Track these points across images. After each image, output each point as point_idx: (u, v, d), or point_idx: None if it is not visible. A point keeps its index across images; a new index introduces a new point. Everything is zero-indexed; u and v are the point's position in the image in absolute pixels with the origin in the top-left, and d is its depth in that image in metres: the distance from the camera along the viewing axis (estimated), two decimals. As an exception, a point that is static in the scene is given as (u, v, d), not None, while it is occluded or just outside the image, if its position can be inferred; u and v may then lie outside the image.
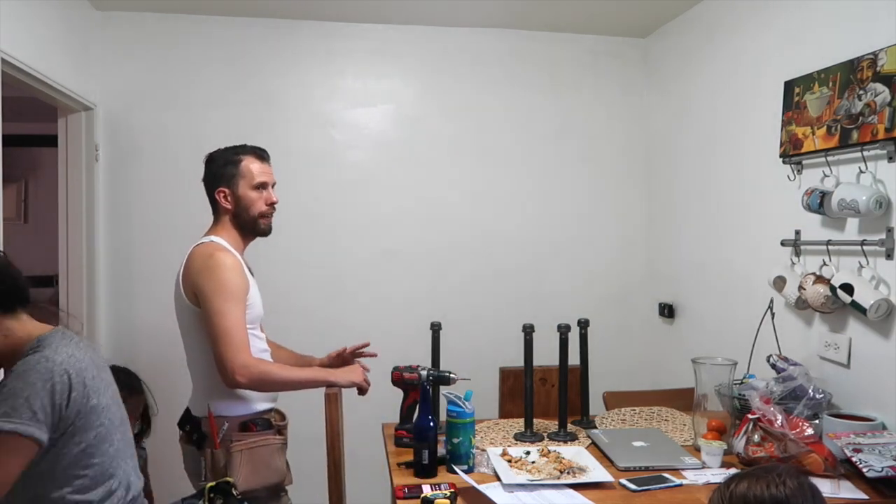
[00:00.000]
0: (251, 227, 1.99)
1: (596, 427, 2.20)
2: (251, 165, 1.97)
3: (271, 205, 2.00)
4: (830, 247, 2.07)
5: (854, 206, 1.89)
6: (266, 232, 2.01)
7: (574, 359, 2.14)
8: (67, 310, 2.84)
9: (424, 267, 3.24)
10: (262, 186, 1.97)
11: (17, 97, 2.51)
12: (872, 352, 1.96)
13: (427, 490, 1.62)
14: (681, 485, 1.70)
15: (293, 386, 1.92)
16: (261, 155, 2.01)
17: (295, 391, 1.95)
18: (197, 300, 1.83)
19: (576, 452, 1.90)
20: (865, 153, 1.95)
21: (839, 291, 1.94)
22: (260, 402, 1.92)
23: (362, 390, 2.02)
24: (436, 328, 2.21)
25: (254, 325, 1.92)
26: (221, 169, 1.96)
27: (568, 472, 1.73)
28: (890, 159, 1.88)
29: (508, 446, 1.98)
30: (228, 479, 1.72)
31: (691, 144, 2.98)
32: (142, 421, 2.67)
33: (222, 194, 1.95)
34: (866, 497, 1.61)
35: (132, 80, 3.01)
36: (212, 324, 1.79)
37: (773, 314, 2.33)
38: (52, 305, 3.40)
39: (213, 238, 1.92)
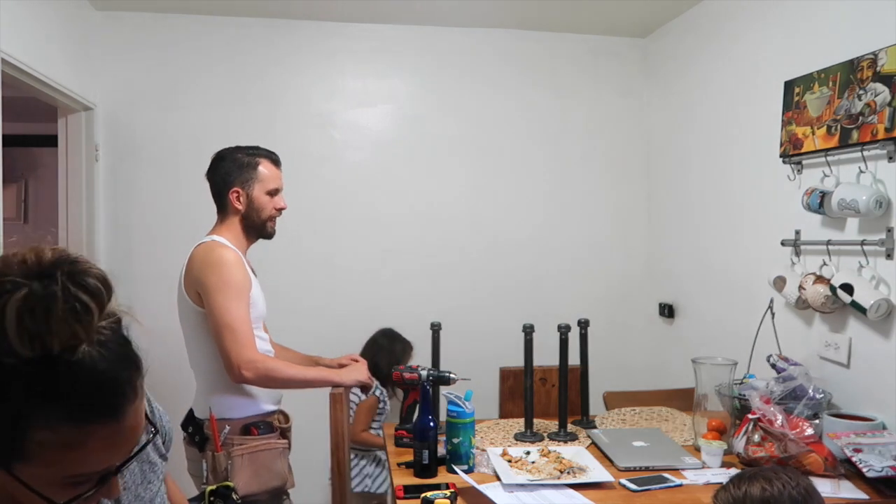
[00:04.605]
0: (259, 229, 1.99)
1: (596, 427, 2.20)
2: (267, 170, 1.97)
3: (279, 210, 2.01)
4: (830, 247, 2.07)
5: (854, 206, 1.89)
6: (271, 235, 2.02)
7: (574, 359, 2.14)
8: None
9: (424, 267, 3.24)
10: (275, 192, 1.98)
11: (17, 97, 2.51)
12: (872, 352, 1.96)
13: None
14: (681, 485, 1.70)
15: (298, 384, 1.91)
16: (275, 160, 2.02)
17: (298, 390, 1.95)
18: (199, 299, 1.83)
19: (576, 452, 1.90)
20: (865, 153, 1.95)
21: (839, 291, 1.94)
22: (264, 403, 1.92)
23: (367, 388, 2.03)
24: (436, 328, 2.21)
25: (256, 324, 1.91)
26: (237, 169, 1.95)
27: (568, 472, 1.73)
28: (890, 159, 1.88)
29: (508, 446, 1.98)
30: (228, 483, 1.72)
31: (691, 144, 2.98)
32: None
33: (236, 194, 1.94)
34: (866, 497, 1.61)
35: (132, 80, 3.01)
36: (216, 319, 1.79)
37: (773, 314, 2.33)
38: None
39: (214, 237, 1.92)
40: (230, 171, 1.95)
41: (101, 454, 0.71)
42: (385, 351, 2.82)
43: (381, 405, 2.76)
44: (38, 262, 0.68)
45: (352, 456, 2.69)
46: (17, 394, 0.66)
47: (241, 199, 1.95)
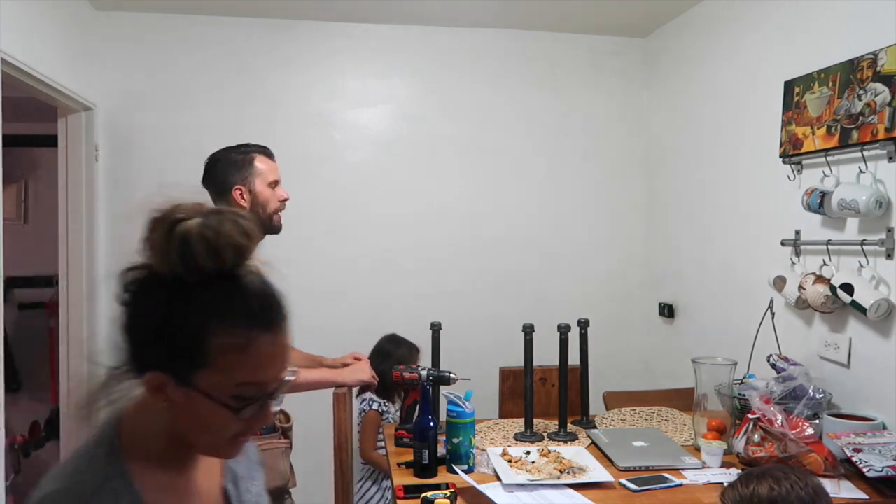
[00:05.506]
0: (266, 224, 1.99)
1: (596, 427, 2.20)
2: (263, 163, 1.97)
3: (283, 201, 2.01)
4: (830, 247, 2.07)
5: (854, 206, 1.89)
6: (279, 229, 2.01)
7: (574, 359, 2.14)
8: (67, 310, 2.84)
9: (424, 267, 3.24)
10: (275, 184, 1.98)
11: (17, 97, 2.50)
12: (872, 352, 1.96)
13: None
14: (681, 485, 1.70)
15: (302, 387, 1.91)
16: (268, 153, 2.02)
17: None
18: None
19: (576, 452, 1.90)
20: (865, 153, 1.95)
21: (839, 291, 1.94)
22: None
23: (370, 387, 2.03)
24: (436, 328, 2.21)
25: None
26: (234, 168, 1.94)
27: (568, 472, 1.73)
28: (890, 159, 1.88)
29: (508, 446, 1.98)
30: None
31: (691, 144, 2.98)
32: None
33: (239, 192, 1.94)
34: (866, 497, 1.61)
35: (132, 80, 3.01)
36: None
37: (773, 314, 2.33)
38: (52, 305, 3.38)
39: None
40: (227, 171, 1.95)
41: (265, 362, 0.82)
42: (393, 358, 2.75)
43: (384, 417, 2.71)
44: (201, 207, 0.82)
45: (369, 483, 2.65)
46: (202, 304, 0.79)
47: (245, 196, 1.95)
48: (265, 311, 0.83)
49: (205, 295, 0.79)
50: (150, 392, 0.81)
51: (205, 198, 2.01)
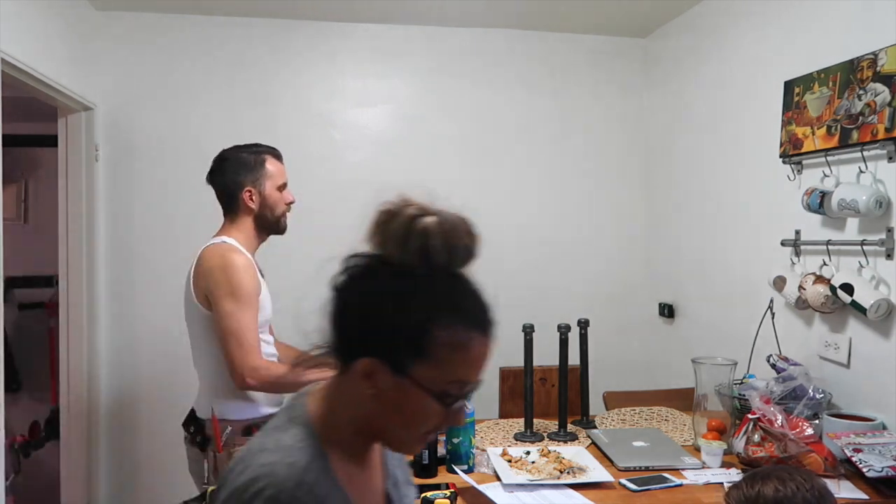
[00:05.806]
0: (273, 226, 1.99)
1: (596, 427, 2.20)
2: (273, 166, 1.97)
3: (290, 204, 2.01)
4: (830, 247, 2.07)
5: (854, 206, 1.89)
6: (285, 230, 2.02)
7: (574, 359, 2.14)
8: (67, 310, 2.84)
9: (424, 267, 3.24)
10: (283, 187, 1.99)
11: (17, 97, 2.50)
12: (872, 352, 1.96)
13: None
14: (681, 485, 1.70)
15: (304, 385, 1.91)
16: (277, 155, 2.02)
17: None
18: (207, 302, 1.83)
19: (576, 452, 1.90)
20: (865, 153, 1.95)
21: (839, 291, 1.94)
22: (266, 406, 1.91)
23: None
24: (436, 328, 2.20)
25: (263, 328, 1.91)
26: (245, 169, 1.94)
27: (568, 472, 1.73)
28: (890, 159, 1.88)
29: (508, 446, 1.98)
30: None
31: (691, 144, 2.98)
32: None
33: (249, 193, 1.94)
34: (866, 497, 1.61)
35: (132, 80, 3.01)
36: (222, 326, 1.78)
37: (773, 314, 2.33)
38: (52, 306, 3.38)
39: (224, 239, 1.91)
40: (238, 171, 1.94)
41: (476, 363, 0.84)
42: None
43: None
44: (429, 205, 0.87)
45: None
46: (432, 297, 0.82)
47: (255, 197, 1.95)
48: (483, 313, 0.86)
49: (435, 289, 0.82)
50: (359, 378, 0.82)
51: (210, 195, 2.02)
